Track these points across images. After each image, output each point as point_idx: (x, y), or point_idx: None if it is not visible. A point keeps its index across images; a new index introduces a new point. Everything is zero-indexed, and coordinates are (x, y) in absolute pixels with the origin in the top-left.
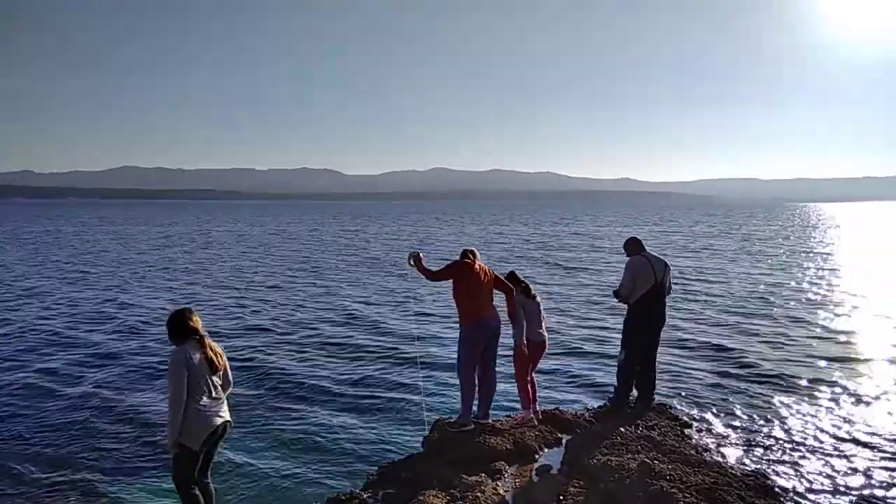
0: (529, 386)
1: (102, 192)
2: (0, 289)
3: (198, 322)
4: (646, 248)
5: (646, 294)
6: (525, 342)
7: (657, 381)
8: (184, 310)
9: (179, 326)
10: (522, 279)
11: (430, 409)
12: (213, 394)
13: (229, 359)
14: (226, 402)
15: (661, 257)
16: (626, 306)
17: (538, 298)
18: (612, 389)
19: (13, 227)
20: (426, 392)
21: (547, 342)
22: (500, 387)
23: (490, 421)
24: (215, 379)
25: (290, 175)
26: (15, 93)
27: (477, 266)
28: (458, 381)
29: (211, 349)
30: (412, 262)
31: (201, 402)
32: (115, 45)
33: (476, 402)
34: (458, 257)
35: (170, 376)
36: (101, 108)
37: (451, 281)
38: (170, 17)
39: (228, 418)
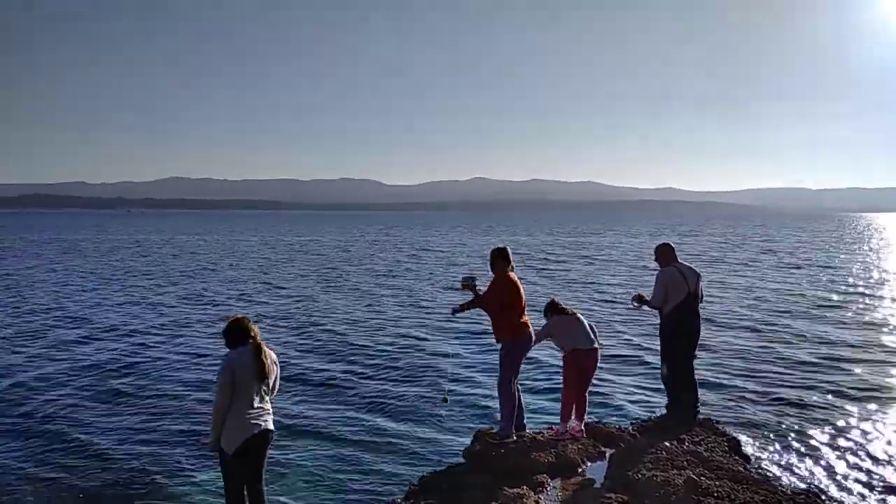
0: (576, 403)
1: (150, 203)
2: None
3: (255, 329)
4: (677, 256)
5: (679, 304)
6: (571, 355)
7: (701, 395)
8: (242, 317)
9: (236, 331)
10: (563, 306)
11: (468, 420)
12: (257, 402)
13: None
14: (269, 411)
15: (692, 266)
16: (659, 319)
17: (571, 311)
18: (662, 404)
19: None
20: (451, 402)
21: (599, 351)
22: (543, 399)
23: (530, 432)
24: (262, 386)
25: (333, 185)
26: (67, 104)
27: (515, 277)
28: (495, 395)
29: (265, 356)
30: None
31: (242, 409)
32: (162, 58)
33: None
34: (490, 257)
35: (217, 379)
36: (150, 120)
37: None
38: (213, 30)
39: (270, 427)
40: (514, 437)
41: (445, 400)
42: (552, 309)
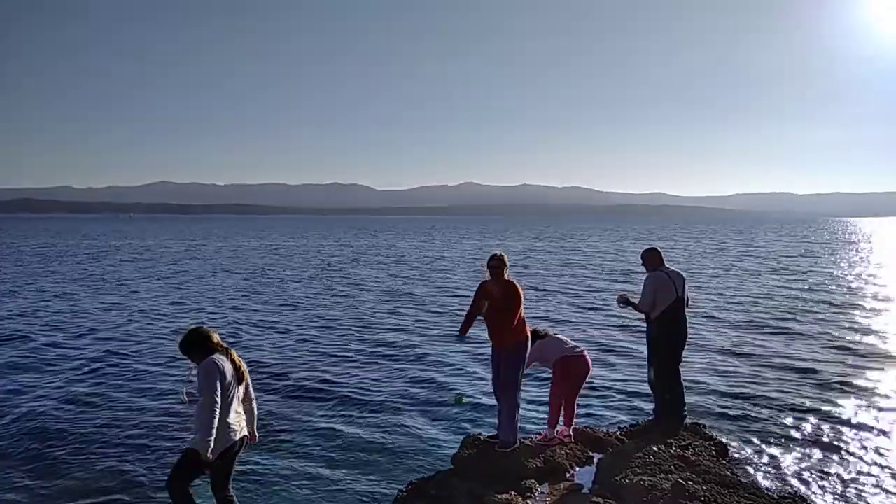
0: (565, 409)
1: (138, 207)
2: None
3: (217, 336)
4: (665, 261)
5: (668, 309)
6: (560, 362)
7: (688, 399)
8: (200, 327)
9: (203, 342)
10: (542, 332)
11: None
12: (238, 407)
13: (255, 373)
14: (244, 416)
15: (678, 271)
16: (646, 322)
17: (550, 332)
18: (649, 408)
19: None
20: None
21: (588, 357)
22: (531, 405)
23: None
24: (240, 390)
25: (322, 190)
26: (51, 109)
27: (516, 281)
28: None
29: (237, 360)
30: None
31: (226, 416)
32: (148, 61)
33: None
34: (492, 263)
35: (204, 385)
36: (138, 124)
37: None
38: (202, 34)
39: (247, 433)
40: (518, 445)
41: (461, 401)
42: (533, 337)
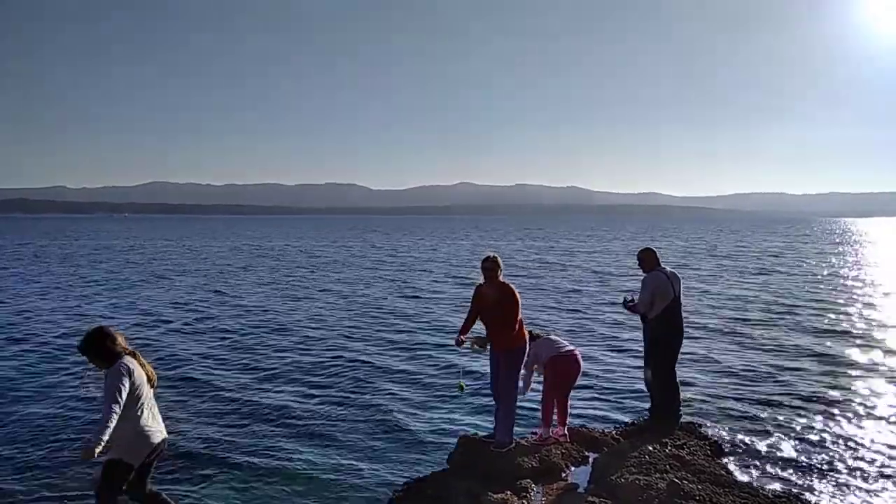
0: (558, 408)
1: (133, 207)
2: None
3: (121, 337)
4: (660, 261)
5: (666, 309)
6: (549, 362)
7: (683, 398)
8: (102, 327)
9: (102, 343)
10: (536, 334)
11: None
12: (153, 410)
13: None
14: (160, 418)
15: (674, 271)
16: (643, 322)
17: (543, 335)
18: (644, 408)
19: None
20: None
21: (579, 357)
22: (525, 405)
23: (514, 437)
24: (152, 393)
25: (318, 190)
26: (49, 110)
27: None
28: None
29: (146, 364)
30: (477, 347)
31: (143, 419)
32: (146, 62)
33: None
34: (489, 265)
35: (110, 386)
36: (133, 124)
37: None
38: (198, 35)
39: (166, 434)
40: (513, 445)
41: (462, 388)
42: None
